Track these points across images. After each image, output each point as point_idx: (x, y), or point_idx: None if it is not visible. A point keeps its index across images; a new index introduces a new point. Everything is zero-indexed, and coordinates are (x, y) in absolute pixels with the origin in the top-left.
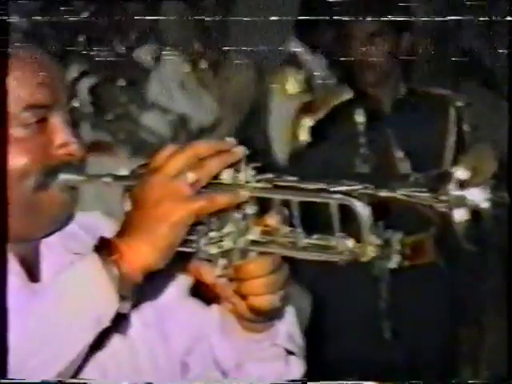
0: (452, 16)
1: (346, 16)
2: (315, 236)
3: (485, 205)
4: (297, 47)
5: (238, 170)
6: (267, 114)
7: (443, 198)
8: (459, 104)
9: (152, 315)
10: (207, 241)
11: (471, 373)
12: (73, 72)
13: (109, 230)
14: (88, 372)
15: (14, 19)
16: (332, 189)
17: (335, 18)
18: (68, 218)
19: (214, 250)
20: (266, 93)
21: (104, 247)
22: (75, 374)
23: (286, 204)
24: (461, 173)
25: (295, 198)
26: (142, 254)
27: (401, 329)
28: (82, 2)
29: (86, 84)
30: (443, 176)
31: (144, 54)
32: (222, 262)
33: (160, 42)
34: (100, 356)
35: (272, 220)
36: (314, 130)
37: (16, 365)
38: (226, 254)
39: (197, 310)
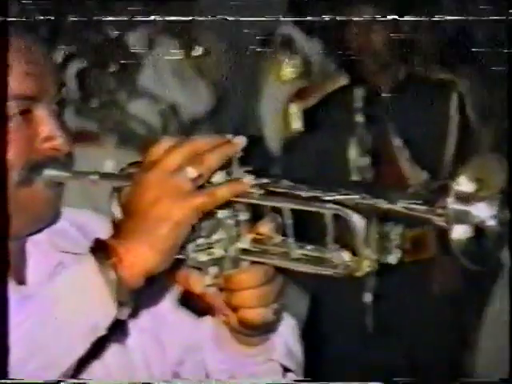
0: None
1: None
2: (309, 247)
3: (491, 222)
4: (292, 31)
5: (229, 173)
6: (260, 101)
7: (440, 211)
8: (462, 89)
9: (148, 322)
10: (195, 247)
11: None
12: (59, 55)
13: (102, 228)
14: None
15: None
16: (327, 197)
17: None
18: (54, 216)
19: (203, 257)
20: (259, 79)
21: (100, 250)
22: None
23: (279, 211)
24: (463, 185)
25: (288, 206)
26: (142, 257)
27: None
28: None
29: (73, 68)
30: (444, 188)
31: (136, 39)
32: (213, 270)
33: (153, 26)
34: (94, 364)
35: (264, 228)
36: (308, 117)
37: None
38: (216, 262)
39: (191, 319)
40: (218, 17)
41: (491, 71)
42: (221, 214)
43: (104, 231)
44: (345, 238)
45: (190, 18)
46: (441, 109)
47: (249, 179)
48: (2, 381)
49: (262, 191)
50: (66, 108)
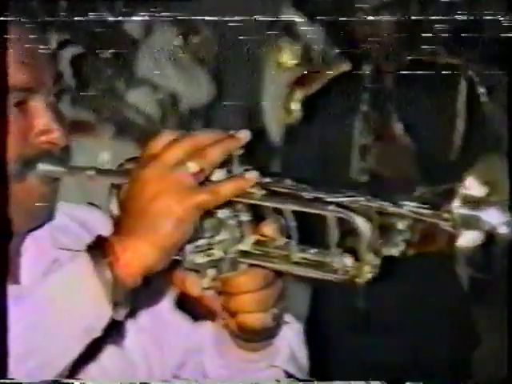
0: None
1: None
2: (311, 250)
3: (502, 229)
4: (293, 16)
5: (230, 171)
6: (260, 88)
7: (446, 216)
8: (472, 74)
9: (147, 323)
10: (194, 248)
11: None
12: (53, 41)
13: (105, 225)
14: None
15: None
16: (330, 199)
17: None
18: (49, 213)
19: (200, 259)
20: (259, 66)
21: (97, 247)
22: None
23: (281, 212)
24: (473, 188)
25: (289, 208)
26: (139, 255)
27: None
28: None
29: (67, 55)
30: (451, 191)
31: (133, 24)
32: (212, 272)
33: (151, 11)
34: (91, 366)
35: (268, 229)
36: (309, 105)
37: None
38: (214, 264)
39: (190, 321)
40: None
41: (502, 55)
42: (221, 213)
43: (107, 227)
44: (348, 242)
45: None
46: (449, 95)
47: (253, 175)
48: (2, 381)
49: (263, 191)
50: (62, 96)
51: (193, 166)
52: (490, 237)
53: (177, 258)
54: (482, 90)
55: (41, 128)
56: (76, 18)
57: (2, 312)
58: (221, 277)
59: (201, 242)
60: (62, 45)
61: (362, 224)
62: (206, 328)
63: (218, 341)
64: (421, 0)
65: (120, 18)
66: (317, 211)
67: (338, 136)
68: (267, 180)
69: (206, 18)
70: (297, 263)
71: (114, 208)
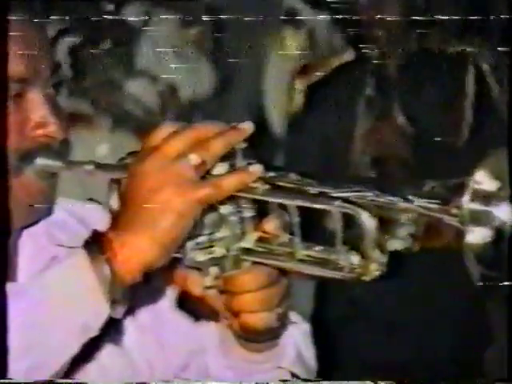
0: None
1: None
2: (316, 248)
3: None
4: (297, 3)
5: (233, 166)
6: (263, 78)
7: (455, 211)
8: (482, 62)
9: (149, 322)
10: (195, 245)
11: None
12: (50, 31)
13: (104, 221)
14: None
15: None
16: (336, 194)
17: None
18: (47, 209)
19: (202, 256)
20: (262, 54)
21: (96, 243)
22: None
23: (285, 207)
24: (483, 183)
25: (294, 203)
26: (139, 250)
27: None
28: None
29: (64, 44)
30: (461, 186)
31: (133, 13)
32: (214, 270)
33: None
34: (91, 366)
35: (271, 226)
36: (312, 94)
37: None
38: (216, 261)
39: (192, 322)
40: None
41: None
42: (223, 209)
43: (107, 224)
44: (354, 239)
45: None
46: (456, 85)
47: (256, 168)
48: (2, 381)
49: (267, 186)
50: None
51: (194, 158)
52: (501, 233)
53: (177, 255)
54: (490, 77)
55: (37, 121)
56: (74, 7)
57: (2, 312)
58: (223, 275)
59: (201, 238)
60: (60, 34)
61: (367, 220)
62: (209, 328)
63: (221, 341)
64: None
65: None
66: (322, 207)
67: (341, 125)
68: (271, 174)
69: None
70: (301, 261)
71: (114, 204)
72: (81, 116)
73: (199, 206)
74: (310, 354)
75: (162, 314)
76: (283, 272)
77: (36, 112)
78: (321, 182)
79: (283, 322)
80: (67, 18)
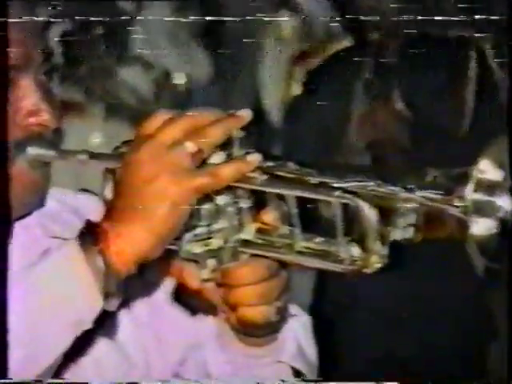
0: None
1: None
2: (317, 239)
3: None
4: None
5: (230, 155)
6: (258, 64)
7: (458, 202)
8: (484, 45)
9: (145, 315)
10: (192, 237)
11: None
12: (42, 16)
13: (99, 212)
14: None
15: None
16: (337, 184)
17: None
18: (39, 200)
19: (198, 248)
20: (257, 40)
21: (89, 234)
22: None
23: (283, 198)
24: (488, 172)
25: (293, 193)
26: (134, 241)
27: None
28: None
29: (56, 31)
30: (464, 175)
31: None
32: (212, 262)
33: None
34: (84, 361)
35: (269, 217)
36: (310, 81)
37: None
38: (214, 253)
39: (189, 316)
40: None
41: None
42: (220, 200)
43: (100, 214)
44: (355, 230)
45: None
46: (457, 70)
47: (255, 157)
48: (2, 381)
49: (265, 176)
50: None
51: (191, 146)
52: (505, 224)
53: (173, 247)
54: (493, 62)
55: (29, 108)
56: None
57: (2, 311)
58: (221, 268)
59: (199, 230)
60: (50, 21)
61: (368, 211)
62: (207, 322)
63: (219, 336)
64: None
65: None
66: (321, 197)
67: (339, 113)
68: (269, 164)
69: None
70: (301, 253)
71: (109, 194)
72: (73, 104)
73: (195, 195)
74: (310, 347)
75: (158, 308)
76: (282, 264)
77: (27, 99)
78: (321, 171)
79: (283, 316)
80: (58, 2)
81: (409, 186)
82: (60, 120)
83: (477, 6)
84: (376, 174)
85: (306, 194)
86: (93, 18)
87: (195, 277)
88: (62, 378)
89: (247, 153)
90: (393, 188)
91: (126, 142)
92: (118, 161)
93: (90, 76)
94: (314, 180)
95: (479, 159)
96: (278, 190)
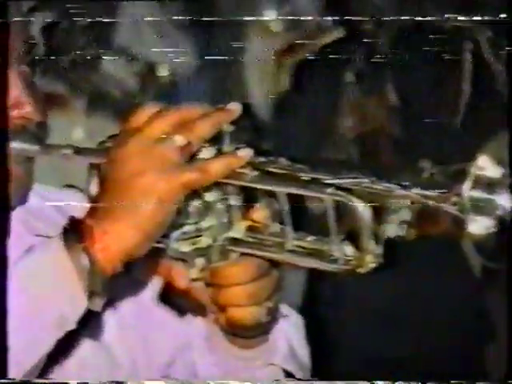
0: None
1: None
2: (309, 238)
3: None
4: None
5: (220, 150)
6: (244, 57)
7: (455, 199)
8: (480, 37)
9: (130, 316)
10: (180, 235)
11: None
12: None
13: (83, 208)
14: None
15: None
16: (330, 181)
17: None
18: (22, 196)
19: (186, 247)
20: (242, 32)
21: (73, 230)
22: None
23: (274, 195)
24: (487, 169)
25: (283, 190)
26: (120, 238)
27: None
28: None
29: (37, 22)
30: (462, 172)
31: None
32: (200, 261)
33: None
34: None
35: (259, 215)
36: (299, 74)
37: None
38: (202, 252)
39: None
40: None
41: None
42: (209, 196)
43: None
44: (348, 228)
45: None
46: (452, 61)
47: (246, 152)
48: (2, 381)
49: (255, 172)
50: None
51: (179, 140)
52: (504, 223)
53: (160, 245)
54: (489, 54)
55: (11, 102)
56: None
57: (2, 309)
58: (210, 267)
59: (187, 228)
60: (33, 10)
61: (362, 209)
62: (195, 323)
63: (208, 337)
64: None
65: None
66: (313, 194)
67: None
68: (260, 159)
69: None
70: (293, 252)
71: (94, 190)
72: (55, 97)
73: (183, 191)
74: (302, 348)
75: (144, 308)
76: (273, 263)
77: (10, 91)
78: (313, 167)
79: (274, 316)
80: None
81: (404, 183)
82: (44, 113)
83: None
84: (370, 171)
85: (298, 191)
86: (75, 10)
87: (183, 276)
88: (46, 378)
89: (237, 148)
90: (388, 185)
91: (111, 137)
92: (103, 156)
93: (72, 68)
94: (306, 176)
95: (478, 155)
96: (268, 187)
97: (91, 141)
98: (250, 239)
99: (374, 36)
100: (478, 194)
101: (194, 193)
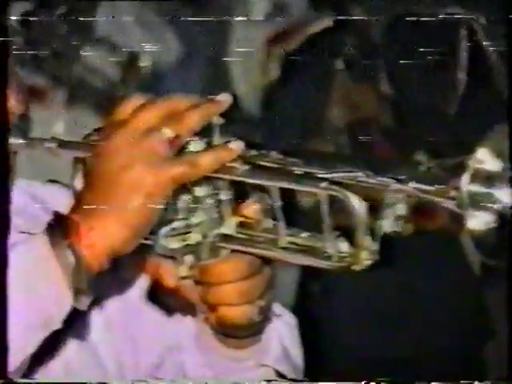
0: None
1: None
2: (302, 234)
3: None
4: None
5: (209, 143)
6: (229, 48)
7: (453, 193)
8: (476, 24)
9: (117, 315)
10: (169, 231)
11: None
12: None
13: (67, 204)
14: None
15: None
16: (323, 175)
17: None
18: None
19: (175, 243)
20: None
21: (58, 226)
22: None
23: (267, 190)
24: (486, 162)
25: (275, 184)
26: (106, 234)
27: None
28: None
29: (15, 11)
30: (460, 165)
31: None
32: (189, 259)
33: None
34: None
35: (250, 210)
36: (288, 64)
37: None
38: (192, 249)
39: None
40: None
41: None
42: (199, 191)
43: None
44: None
45: None
46: (448, 50)
47: (237, 145)
48: (1, 381)
49: (247, 166)
50: (9, 58)
51: (168, 132)
52: (504, 218)
53: (148, 242)
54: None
55: None
56: None
57: (2, 307)
58: (199, 264)
59: (176, 224)
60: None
61: (358, 204)
62: (185, 323)
63: (198, 337)
64: None
65: None
66: (306, 189)
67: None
68: (252, 153)
69: None
70: (285, 248)
71: (79, 185)
72: (35, 89)
73: (172, 185)
74: (296, 348)
75: (132, 307)
76: (266, 260)
77: None
78: (306, 161)
79: (266, 316)
80: None
81: (400, 177)
82: (26, 105)
83: None
84: (365, 164)
85: (291, 186)
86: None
87: (172, 274)
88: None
89: (228, 141)
90: (383, 179)
91: (96, 130)
92: (88, 149)
93: (52, 59)
94: (298, 170)
95: (477, 148)
96: (260, 181)
97: (72, 134)
98: (242, 235)
99: (365, 24)
100: (477, 188)
101: (183, 187)
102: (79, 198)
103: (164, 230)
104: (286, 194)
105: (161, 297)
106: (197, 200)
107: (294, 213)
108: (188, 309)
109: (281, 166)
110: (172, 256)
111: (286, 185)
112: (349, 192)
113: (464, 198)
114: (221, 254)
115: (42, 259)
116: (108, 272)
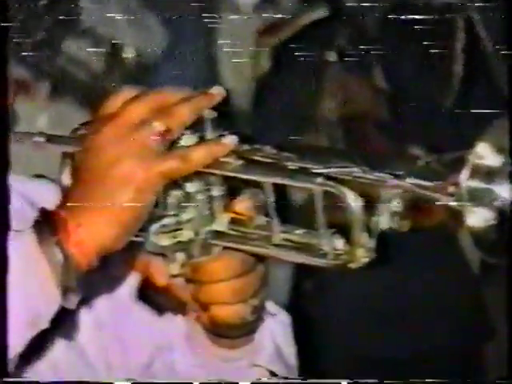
0: None
1: None
2: (297, 231)
3: None
4: None
5: (202, 137)
6: (217, 39)
7: (451, 189)
8: (473, 14)
9: (107, 314)
10: (159, 228)
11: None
12: None
13: (54, 200)
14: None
15: None
16: (318, 170)
17: None
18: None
19: (166, 241)
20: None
21: (46, 223)
22: None
23: (260, 185)
24: (486, 157)
25: (269, 180)
26: (95, 231)
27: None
28: None
29: None
30: (460, 161)
31: None
32: (181, 256)
33: None
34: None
35: (243, 206)
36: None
37: None
38: (183, 246)
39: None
40: None
41: None
42: (190, 186)
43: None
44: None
45: None
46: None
47: (230, 139)
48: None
49: (240, 161)
50: None
51: (159, 125)
52: (504, 215)
53: (138, 239)
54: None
55: None
56: None
57: (3, 307)
58: (191, 262)
59: (167, 220)
60: None
61: (354, 200)
62: (176, 322)
63: (189, 337)
64: None
65: None
66: (301, 184)
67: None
68: (245, 147)
69: None
70: (279, 246)
71: (67, 180)
72: (17, 82)
73: (163, 180)
74: (289, 349)
75: (121, 306)
76: (259, 258)
77: None
78: (301, 156)
79: (259, 315)
80: None
81: (398, 173)
82: (11, 98)
83: None
84: (361, 159)
85: (285, 181)
86: None
87: (163, 272)
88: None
89: (221, 135)
90: (380, 174)
91: (85, 124)
92: (77, 144)
93: (34, 51)
94: (293, 165)
95: (476, 143)
96: (253, 177)
97: (57, 128)
98: (234, 232)
99: (359, 15)
100: (476, 183)
101: (174, 183)
102: (67, 194)
103: (154, 226)
104: (282, 190)
105: (151, 295)
106: (188, 196)
107: (288, 209)
108: (179, 308)
109: (275, 160)
110: (163, 253)
111: (279, 180)
112: (345, 188)
113: (463, 193)
114: (213, 251)
115: (29, 257)
116: (97, 270)
